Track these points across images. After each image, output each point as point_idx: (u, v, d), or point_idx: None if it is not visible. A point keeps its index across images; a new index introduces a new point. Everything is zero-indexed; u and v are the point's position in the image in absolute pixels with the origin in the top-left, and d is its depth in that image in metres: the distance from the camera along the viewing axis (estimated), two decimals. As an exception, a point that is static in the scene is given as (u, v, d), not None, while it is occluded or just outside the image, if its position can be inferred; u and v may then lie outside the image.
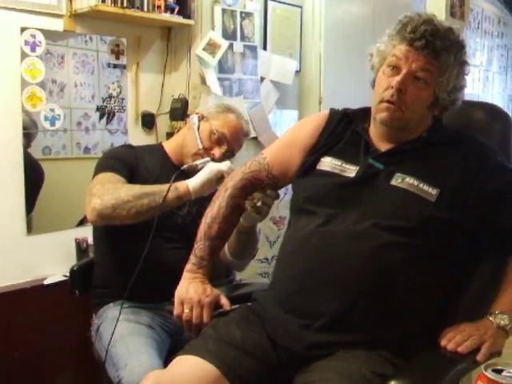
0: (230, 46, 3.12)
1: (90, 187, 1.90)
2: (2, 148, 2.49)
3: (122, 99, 2.95)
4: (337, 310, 1.39)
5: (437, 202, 1.44)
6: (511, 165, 1.61)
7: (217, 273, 1.97)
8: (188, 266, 1.64)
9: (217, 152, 2.06)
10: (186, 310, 1.55)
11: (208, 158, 2.00)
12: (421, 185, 1.46)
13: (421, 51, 1.48)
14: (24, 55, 2.54)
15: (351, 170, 1.54)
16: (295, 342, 1.43)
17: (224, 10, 3.11)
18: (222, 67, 3.10)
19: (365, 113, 1.65)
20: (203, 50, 2.99)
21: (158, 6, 2.83)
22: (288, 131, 1.80)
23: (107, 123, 2.90)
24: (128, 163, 2.00)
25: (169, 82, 3.11)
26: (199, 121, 2.12)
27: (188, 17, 2.96)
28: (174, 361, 1.43)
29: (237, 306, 1.65)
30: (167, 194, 1.82)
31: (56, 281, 2.56)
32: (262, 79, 3.35)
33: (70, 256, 2.14)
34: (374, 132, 1.60)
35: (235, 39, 3.17)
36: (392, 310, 1.41)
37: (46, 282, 2.55)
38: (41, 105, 2.61)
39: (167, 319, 1.92)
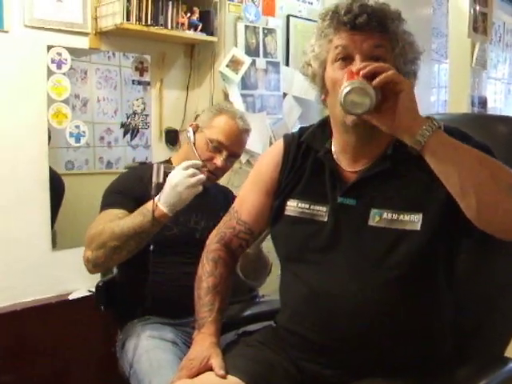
0: (253, 63, 3.14)
1: (90, 226, 1.88)
2: (28, 164, 2.53)
3: (146, 115, 2.98)
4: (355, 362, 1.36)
5: (423, 228, 1.30)
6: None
7: (240, 289, 1.98)
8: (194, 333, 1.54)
9: (218, 161, 1.98)
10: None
11: (157, 167, 1.84)
12: (401, 216, 1.32)
13: (366, 27, 1.30)
14: (50, 73, 2.58)
15: (322, 213, 1.40)
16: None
17: (247, 27, 3.13)
18: (244, 83, 3.12)
19: (322, 130, 1.48)
20: (226, 66, 3.02)
21: (182, 24, 2.87)
22: (250, 173, 1.63)
23: (131, 139, 2.93)
24: (131, 192, 1.94)
25: (192, 99, 3.14)
26: (194, 133, 2.04)
27: (211, 34, 2.99)
28: (202, 375, 1.41)
29: (259, 325, 1.65)
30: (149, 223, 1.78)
31: (81, 296, 2.58)
32: (285, 95, 3.37)
33: (94, 271, 2.16)
34: (340, 149, 1.43)
35: (258, 55, 3.19)
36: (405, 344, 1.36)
37: (70, 297, 2.57)
38: (66, 122, 2.65)
39: (191, 336, 1.92)
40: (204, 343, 1.45)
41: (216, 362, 1.39)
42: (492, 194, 1.18)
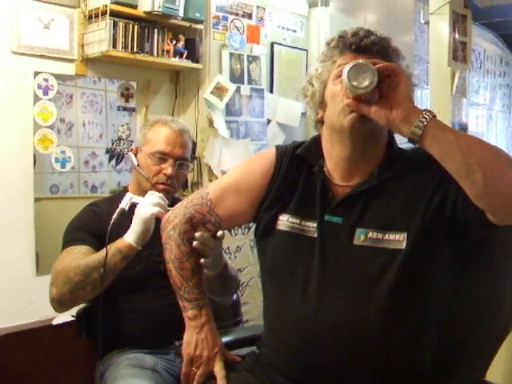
0: (238, 89, 3.19)
1: (55, 265, 1.86)
2: (13, 189, 2.55)
3: (131, 141, 2.99)
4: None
5: (408, 247, 1.33)
6: None
7: (223, 314, 1.98)
8: (189, 313, 1.53)
9: (167, 170, 1.95)
10: (194, 369, 1.50)
11: (130, 196, 1.85)
12: (386, 236, 1.35)
13: (370, 50, 1.36)
14: (37, 98, 2.61)
15: (311, 229, 1.42)
16: None
17: (231, 54, 3.18)
18: (229, 110, 3.16)
19: (316, 146, 1.49)
20: (211, 93, 3.06)
21: (167, 51, 2.91)
22: (234, 171, 1.61)
23: (116, 164, 2.95)
24: (91, 229, 1.91)
25: (177, 125, 3.16)
26: (136, 155, 2.02)
27: (196, 61, 3.03)
28: None
29: (244, 350, 1.66)
30: (106, 260, 1.74)
31: (64, 321, 2.56)
32: (269, 121, 3.41)
33: (78, 296, 2.15)
34: (333, 166, 1.45)
35: (242, 82, 3.23)
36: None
37: (54, 323, 2.56)
38: (52, 147, 2.66)
39: (172, 362, 1.91)
40: (213, 332, 1.53)
41: (220, 375, 1.48)
42: (496, 167, 1.20)
